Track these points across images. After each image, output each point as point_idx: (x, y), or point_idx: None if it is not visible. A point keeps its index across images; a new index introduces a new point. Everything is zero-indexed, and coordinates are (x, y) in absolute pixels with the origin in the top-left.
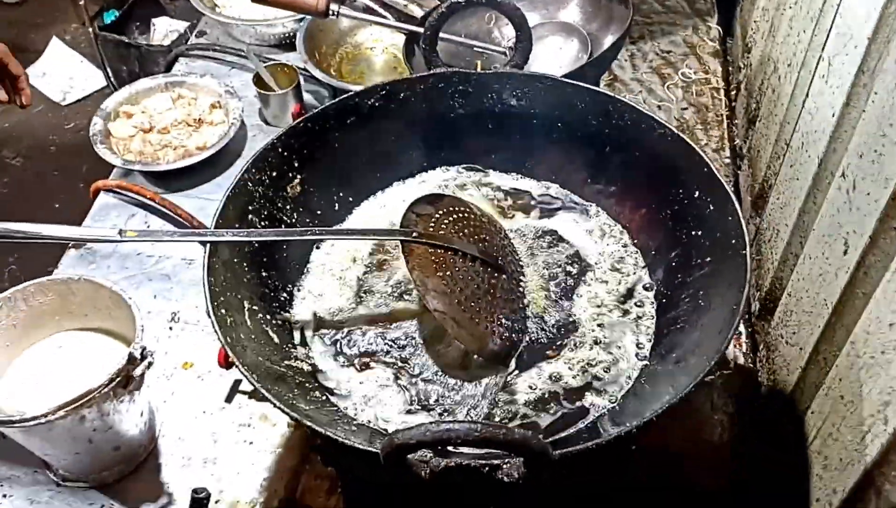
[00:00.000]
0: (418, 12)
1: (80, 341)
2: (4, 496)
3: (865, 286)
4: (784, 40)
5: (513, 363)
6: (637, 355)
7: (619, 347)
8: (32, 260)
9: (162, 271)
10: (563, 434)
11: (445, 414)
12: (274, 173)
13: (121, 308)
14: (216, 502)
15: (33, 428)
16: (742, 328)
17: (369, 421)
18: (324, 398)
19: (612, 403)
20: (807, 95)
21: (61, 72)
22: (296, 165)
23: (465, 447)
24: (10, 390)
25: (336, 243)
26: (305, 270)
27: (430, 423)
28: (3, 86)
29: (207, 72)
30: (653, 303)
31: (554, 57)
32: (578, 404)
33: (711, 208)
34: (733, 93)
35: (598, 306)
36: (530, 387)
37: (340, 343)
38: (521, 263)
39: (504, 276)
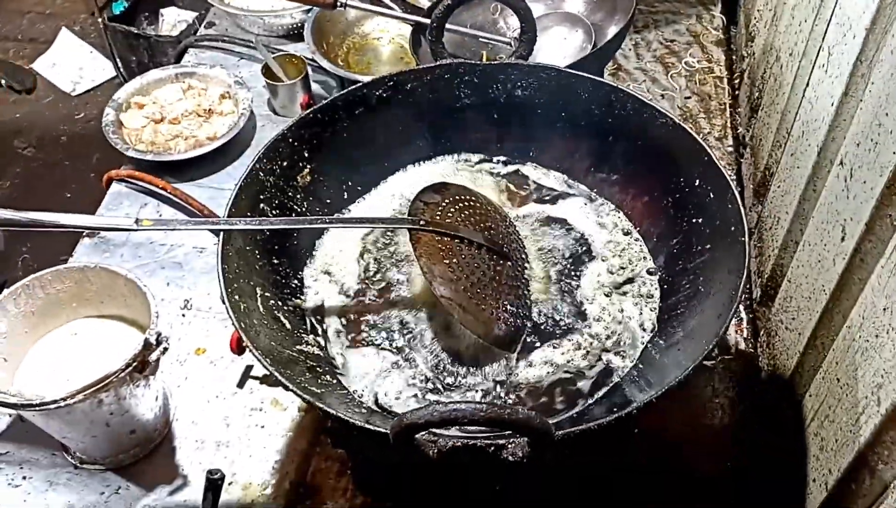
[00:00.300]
0: (424, 2)
1: (96, 327)
2: (24, 477)
3: (861, 272)
4: (786, 30)
5: (518, 348)
6: (639, 339)
7: (622, 331)
8: (45, 249)
9: (174, 259)
10: (566, 415)
11: (451, 397)
12: (284, 163)
13: (136, 296)
14: (229, 484)
15: (53, 412)
16: (743, 313)
17: (377, 404)
18: (334, 381)
19: (615, 383)
20: (807, 84)
21: (71, 62)
22: (306, 154)
23: (471, 426)
24: (28, 375)
25: (345, 232)
26: (315, 257)
27: (438, 404)
28: None
29: (217, 63)
30: (655, 288)
31: (558, 47)
32: (582, 385)
33: (712, 196)
34: (736, 82)
35: (601, 292)
36: (535, 370)
37: (349, 328)
38: (525, 250)
39: (509, 263)
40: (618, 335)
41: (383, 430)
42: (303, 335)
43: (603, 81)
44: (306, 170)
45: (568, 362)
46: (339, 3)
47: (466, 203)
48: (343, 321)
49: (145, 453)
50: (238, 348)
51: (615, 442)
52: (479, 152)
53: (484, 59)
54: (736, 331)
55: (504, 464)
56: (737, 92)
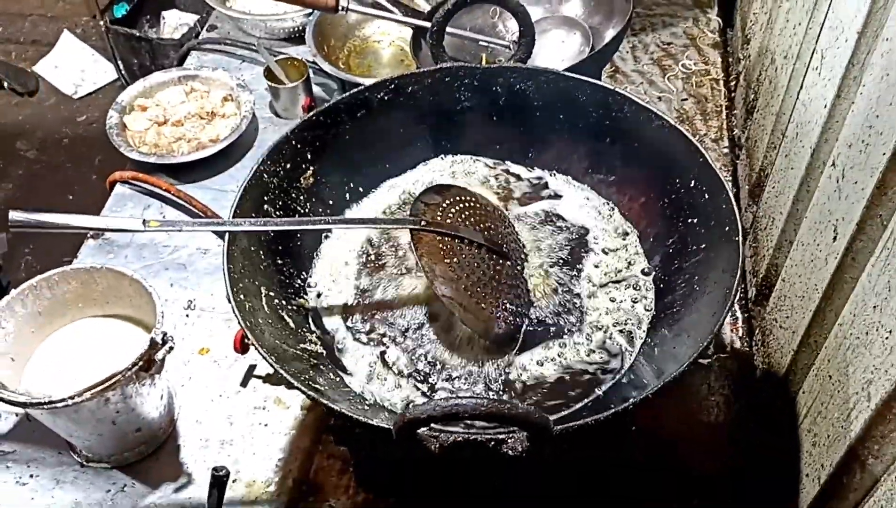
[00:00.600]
0: (424, 6)
1: (102, 327)
2: (31, 476)
3: (853, 271)
4: (781, 32)
5: (517, 345)
6: (636, 336)
7: (618, 329)
8: (47, 251)
9: (178, 260)
10: (564, 412)
11: (452, 394)
12: (288, 165)
13: (141, 296)
14: (233, 481)
15: (61, 410)
16: (739, 313)
17: (380, 401)
18: (337, 379)
19: (612, 382)
20: (801, 86)
21: (73, 65)
22: (309, 156)
23: (472, 421)
24: (35, 374)
25: (347, 232)
26: (318, 257)
27: (440, 399)
28: None
29: (219, 66)
30: (651, 287)
31: (557, 50)
32: (579, 382)
33: (707, 196)
34: (733, 84)
35: (599, 291)
36: (534, 367)
37: (351, 327)
38: (524, 249)
39: (508, 262)
40: (615, 334)
41: (386, 426)
42: (306, 334)
43: (600, 83)
44: (309, 172)
45: (566, 359)
46: (340, 7)
47: (466, 204)
48: (345, 319)
49: (151, 451)
50: (241, 347)
51: (612, 439)
52: (478, 154)
53: (483, 62)
54: (731, 330)
55: (504, 459)
56: (733, 94)
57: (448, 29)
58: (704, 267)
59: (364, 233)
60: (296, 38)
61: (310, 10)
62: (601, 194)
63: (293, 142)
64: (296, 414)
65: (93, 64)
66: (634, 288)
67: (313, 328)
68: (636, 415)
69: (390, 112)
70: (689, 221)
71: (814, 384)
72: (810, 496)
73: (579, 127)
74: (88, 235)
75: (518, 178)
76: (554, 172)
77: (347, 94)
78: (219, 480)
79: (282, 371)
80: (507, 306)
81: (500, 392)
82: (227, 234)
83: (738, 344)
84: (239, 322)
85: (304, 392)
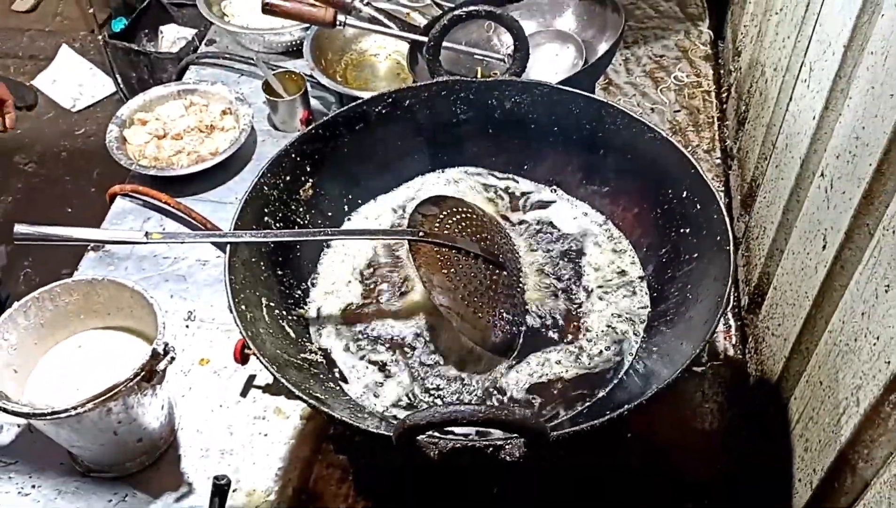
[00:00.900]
0: (421, 20)
1: (103, 338)
2: (34, 486)
3: (842, 279)
4: (771, 45)
5: (513, 354)
6: (630, 344)
7: (613, 337)
8: (47, 263)
9: (178, 271)
10: (561, 418)
11: (451, 401)
12: (288, 178)
13: (142, 307)
14: (233, 491)
15: (63, 421)
16: (732, 321)
17: (379, 409)
18: (337, 388)
19: (607, 388)
20: (791, 98)
21: (71, 79)
22: (308, 169)
23: (470, 427)
24: (38, 385)
25: (346, 243)
26: (317, 268)
27: (439, 406)
28: None
29: (217, 79)
30: (645, 296)
31: (550, 64)
32: (575, 388)
33: (699, 207)
34: (724, 95)
35: (594, 299)
36: (529, 375)
37: (350, 337)
38: (520, 259)
39: (504, 272)
40: (610, 341)
41: (386, 433)
42: (306, 344)
43: (594, 96)
44: (308, 184)
45: (561, 366)
46: (338, 22)
47: (463, 215)
48: (345, 329)
49: (152, 461)
50: (241, 357)
51: (608, 445)
52: (474, 166)
53: (479, 76)
54: (725, 338)
55: (502, 465)
56: (724, 106)
57: (444, 43)
58: (697, 276)
59: (363, 244)
60: (293, 52)
61: (307, 25)
62: (595, 204)
63: (293, 155)
64: (295, 424)
65: (91, 78)
66: (628, 297)
67: (313, 337)
68: (631, 422)
69: (388, 125)
70: (682, 231)
71: (805, 391)
72: (803, 500)
73: (573, 139)
74: (89, 247)
75: (513, 189)
76: (549, 183)
77: (346, 107)
78: (220, 489)
79: (283, 380)
80: (504, 315)
81: (498, 400)
82: (228, 245)
83: (731, 352)
84: (241, 332)
85: (304, 401)
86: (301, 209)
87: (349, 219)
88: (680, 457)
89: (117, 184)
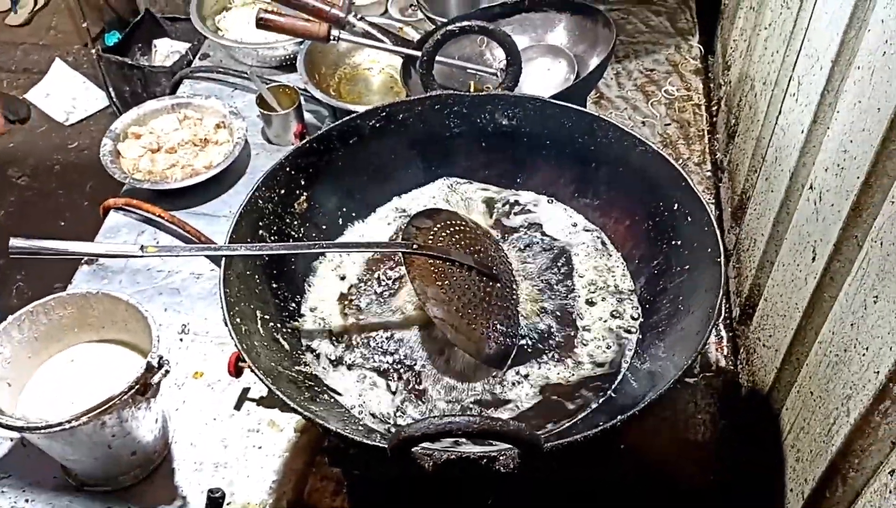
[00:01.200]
0: (414, 35)
1: (97, 352)
2: (27, 500)
3: (831, 290)
4: (759, 59)
5: (507, 365)
6: (623, 355)
7: (606, 348)
8: (40, 277)
9: (172, 285)
10: (554, 429)
11: (445, 413)
12: (282, 191)
13: (137, 321)
14: (227, 504)
15: (57, 434)
16: (724, 332)
17: (373, 421)
18: (332, 400)
19: (600, 400)
20: (780, 112)
21: (64, 92)
22: (302, 182)
23: (465, 438)
24: (32, 399)
25: (340, 256)
26: (312, 281)
27: (434, 417)
28: None
29: (211, 93)
30: (637, 307)
31: (542, 78)
32: (569, 400)
33: (689, 219)
34: (714, 109)
35: (586, 311)
36: (525, 386)
37: (345, 349)
38: (513, 271)
39: (498, 284)
40: (602, 352)
41: (381, 445)
42: (301, 356)
43: (585, 110)
44: (303, 197)
45: (555, 378)
46: (332, 37)
47: (457, 228)
48: (339, 341)
49: (145, 474)
50: (235, 370)
51: (601, 457)
52: (468, 179)
53: (472, 90)
54: (716, 349)
55: (496, 476)
56: (714, 119)
57: (437, 57)
58: (689, 288)
59: (358, 256)
60: (287, 66)
61: (301, 39)
62: (587, 217)
63: (287, 168)
64: (289, 437)
65: (84, 91)
66: (620, 308)
67: (307, 350)
68: (624, 434)
69: (382, 139)
70: (673, 243)
71: (796, 401)
72: None
73: (565, 152)
74: (83, 261)
75: (506, 202)
76: (541, 196)
77: (340, 121)
78: (214, 502)
79: (278, 393)
80: (498, 326)
81: (492, 411)
82: (223, 258)
83: (723, 363)
84: (236, 345)
85: (299, 413)
86: (295, 223)
87: (343, 232)
88: (673, 468)
89: (111, 197)
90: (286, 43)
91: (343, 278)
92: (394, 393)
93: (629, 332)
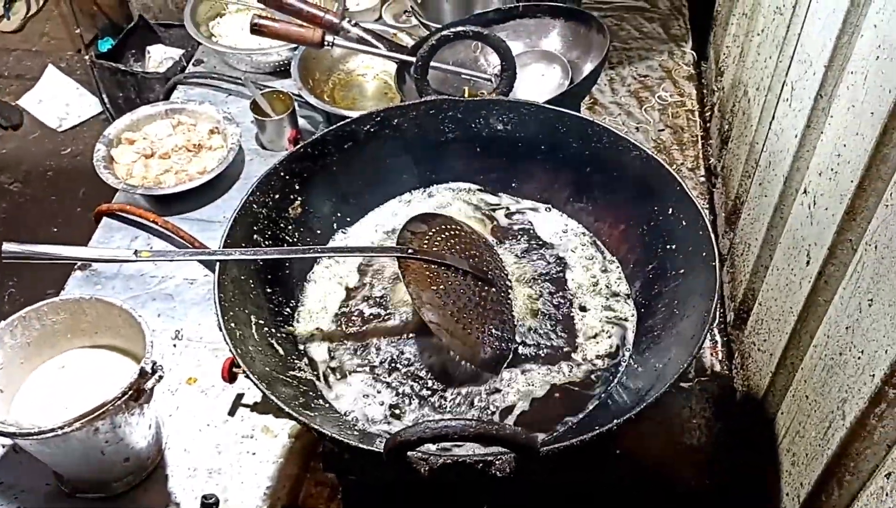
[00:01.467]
0: (408, 41)
1: (90, 358)
2: None
3: (825, 294)
4: (752, 65)
5: (502, 370)
6: (618, 359)
7: (601, 353)
8: (32, 283)
9: (165, 290)
10: (550, 433)
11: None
12: (277, 196)
13: (130, 326)
14: None
15: (49, 440)
16: (718, 337)
17: (369, 426)
18: (326, 405)
19: (596, 403)
20: (773, 117)
21: (57, 99)
22: (297, 187)
23: (461, 442)
24: (24, 405)
25: (335, 261)
26: (306, 286)
27: (430, 421)
28: None
29: (205, 99)
30: (632, 311)
31: (537, 84)
32: (564, 404)
33: (684, 223)
34: (707, 115)
35: (582, 315)
36: (520, 391)
37: (340, 354)
38: (508, 276)
39: (493, 289)
40: (598, 356)
41: (376, 449)
42: (296, 361)
43: (580, 115)
44: (297, 202)
45: (550, 383)
46: (326, 42)
47: (452, 232)
48: (334, 346)
49: (139, 481)
50: (229, 376)
51: (597, 462)
52: (463, 184)
53: (466, 95)
54: (711, 353)
55: (492, 481)
56: (708, 124)
57: (432, 63)
58: (684, 292)
59: (352, 261)
60: (281, 71)
61: (295, 45)
62: (582, 221)
63: (282, 173)
64: (283, 442)
65: (77, 98)
66: (616, 312)
67: (302, 355)
68: (619, 439)
69: (377, 144)
70: (668, 247)
71: (792, 405)
72: None
73: (560, 157)
74: (75, 266)
75: (501, 206)
76: (536, 200)
77: (335, 126)
78: (209, 507)
79: (272, 397)
80: (493, 331)
81: (488, 415)
82: (217, 263)
83: (717, 367)
84: (230, 350)
85: (294, 418)
86: (290, 227)
87: (338, 237)
88: (669, 472)
89: (104, 203)
90: (280, 49)
91: (338, 283)
92: (388, 398)
93: (625, 336)
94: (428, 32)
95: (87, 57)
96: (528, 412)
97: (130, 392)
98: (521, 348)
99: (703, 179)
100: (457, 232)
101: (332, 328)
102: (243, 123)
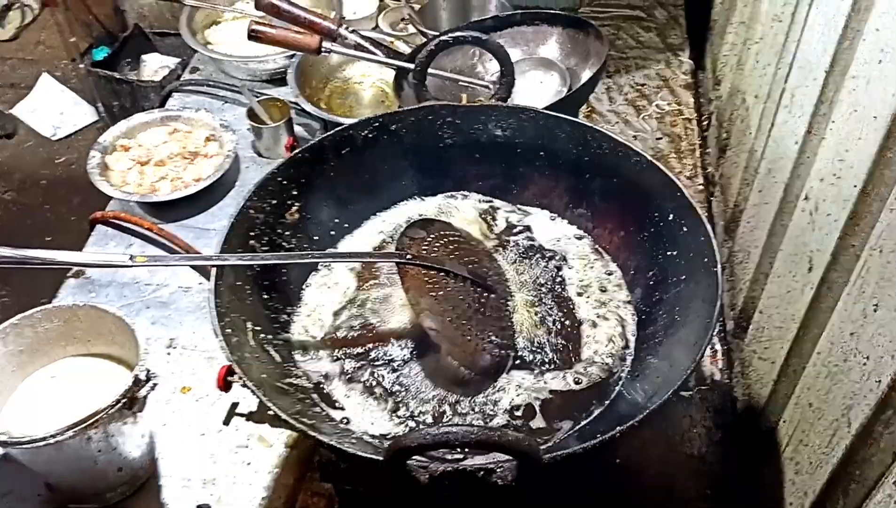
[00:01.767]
0: (405, 49)
1: (83, 366)
2: None
3: (828, 301)
4: (751, 73)
5: (502, 377)
6: (619, 366)
7: (602, 360)
8: (25, 291)
9: (160, 298)
10: (551, 441)
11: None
12: (274, 201)
13: (124, 333)
14: None
15: (41, 449)
16: (718, 345)
17: (367, 434)
18: (323, 413)
19: (597, 411)
20: (772, 124)
21: (52, 107)
22: (294, 193)
23: (462, 448)
24: (16, 414)
25: (332, 267)
26: (303, 292)
27: (430, 426)
28: None
29: (201, 106)
30: (633, 318)
31: (535, 91)
32: (564, 413)
33: (685, 229)
34: (705, 123)
35: (581, 323)
36: (519, 398)
37: (337, 361)
38: (507, 283)
39: (492, 295)
40: (599, 363)
41: (375, 457)
42: (292, 369)
43: (579, 121)
44: (295, 208)
45: (550, 390)
46: (323, 49)
47: (450, 238)
48: (332, 353)
49: (132, 491)
50: (224, 385)
51: (597, 472)
52: (462, 190)
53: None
54: (711, 362)
55: (493, 489)
56: (705, 133)
57: (430, 70)
58: (685, 298)
59: (350, 268)
60: (277, 79)
61: (292, 53)
62: (582, 227)
63: (279, 178)
64: (279, 452)
65: (72, 106)
66: (617, 319)
67: (299, 362)
68: (619, 449)
69: (375, 149)
70: (669, 253)
71: (794, 413)
72: None
73: (559, 163)
74: (68, 274)
75: (500, 213)
76: (535, 206)
77: (332, 131)
78: None
79: (269, 404)
80: (493, 338)
81: (487, 422)
82: (213, 269)
83: (717, 376)
84: (226, 357)
85: (291, 426)
86: (287, 233)
87: (336, 243)
88: (669, 482)
89: (99, 210)
90: (277, 56)
91: (336, 290)
92: (387, 406)
93: (626, 343)
94: (425, 40)
95: (82, 65)
96: (528, 421)
97: (124, 401)
98: (520, 355)
99: (700, 187)
100: (456, 238)
101: (329, 334)
102: (239, 130)
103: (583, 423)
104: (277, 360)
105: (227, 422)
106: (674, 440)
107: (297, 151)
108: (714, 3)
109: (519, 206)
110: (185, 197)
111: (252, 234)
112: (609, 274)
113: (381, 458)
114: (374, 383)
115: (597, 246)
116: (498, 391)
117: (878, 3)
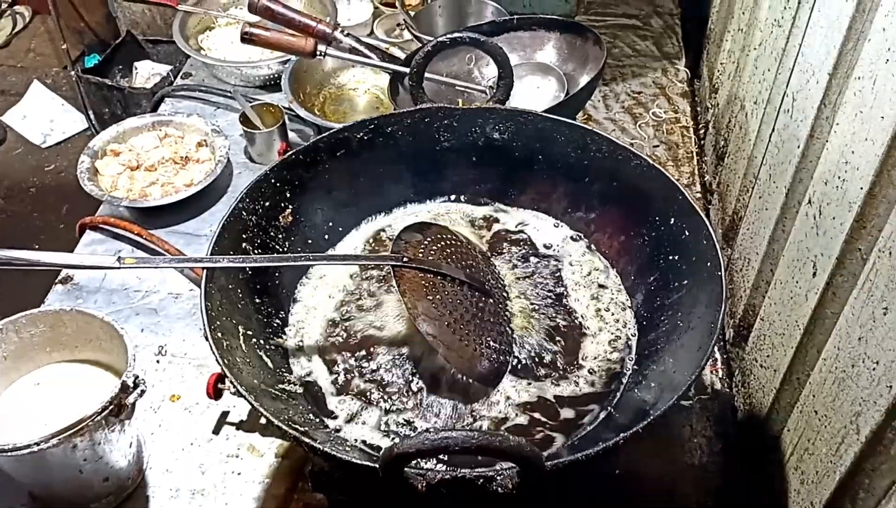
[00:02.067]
0: (400, 54)
1: (70, 372)
2: None
3: (834, 306)
4: (750, 79)
5: (500, 383)
6: (620, 374)
7: (603, 366)
8: (12, 297)
9: (149, 305)
10: (553, 448)
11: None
12: (267, 203)
13: (112, 339)
14: None
15: (25, 457)
16: (717, 354)
17: (361, 441)
18: (317, 420)
19: (598, 418)
20: (773, 129)
21: (42, 114)
22: (288, 195)
23: (462, 454)
24: (0, 420)
25: (326, 271)
26: (297, 296)
27: (429, 432)
28: None
29: (194, 111)
30: (634, 324)
31: (532, 95)
32: (564, 420)
33: (687, 233)
34: (702, 131)
35: (581, 328)
36: (519, 404)
37: (331, 366)
38: (506, 287)
39: (491, 300)
40: (599, 369)
41: (372, 464)
42: (285, 374)
43: (578, 124)
44: (288, 210)
45: (550, 396)
46: (318, 52)
47: (447, 242)
48: (325, 358)
49: (119, 501)
50: (214, 393)
51: (597, 482)
52: (458, 193)
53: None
54: (711, 371)
55: (494, 498)
56: (702, 141)
57: (426, 74)
58: (688, 303)
59: (344, 272)
60: (271, 85)
61: (286, 58)
62: (581, 232)
63: (272, 180)
64: (270, 462)
65: (62, 114)
66: (617, 325)
67: (292, 367)
68: (620, 458)
69: (370, 152)
70: (671, 258)
71: (799, 421)
72: None
73: (558, 167)
74: (56, 280)
75: (497, 216)
76: (533, 210)
77: (327, 133)
78: None
79: (261, 409)
80: (491, 343)
81: (485, 428)
82: (204, 271)
83: (718, 385)
84: (217, 361)
85: (284, 432)
86: (280, 236)
87: (330, 247)
88: (670, 493)
89: (88, 217)
90: (270, 62)
91: (329, 294)
92: (382, 412)
93: (627, 348)
94: (420, 43)
95: (73, 72)
96: (528, 427)
97: (111, 407)
98: (519, 361)
99: (698, 195)
100: (452, 241)
101: (323, 339)
102: (232, 136)
103: (583, 431)
104: (269, 365)
105: (217, 431)
106: (674, 450)
107: (290, 153)
108: (710, 13)
109: (516, 209)
110: (175, 202)
111: (244, 236)
112: (608, 279)
113: (377, 465)
114: (369, 388)
115: (596, 250)
116: (496, 396)
117: (884, 2)
